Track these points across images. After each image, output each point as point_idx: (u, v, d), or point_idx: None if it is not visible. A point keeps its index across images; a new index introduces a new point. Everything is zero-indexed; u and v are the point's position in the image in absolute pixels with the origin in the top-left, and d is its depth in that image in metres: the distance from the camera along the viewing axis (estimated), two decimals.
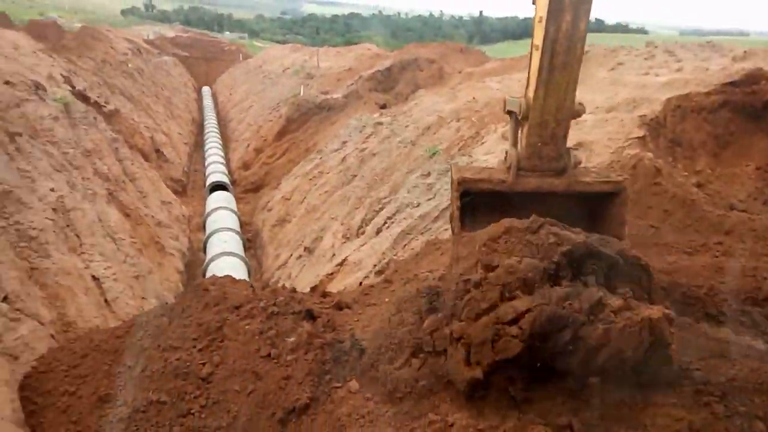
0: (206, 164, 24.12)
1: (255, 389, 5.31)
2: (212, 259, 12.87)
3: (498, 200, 4.37)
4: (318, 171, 15.04)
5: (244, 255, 13.57)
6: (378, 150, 13.31)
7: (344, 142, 15.50)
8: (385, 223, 10.09)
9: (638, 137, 8.81)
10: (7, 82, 11.18)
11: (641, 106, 10.08)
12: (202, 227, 16.51)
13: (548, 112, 4.05)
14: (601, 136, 8.77)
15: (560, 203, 4.30)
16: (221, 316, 6.10)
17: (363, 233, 10.55)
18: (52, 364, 5.98)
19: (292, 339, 5.72)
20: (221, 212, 16.55)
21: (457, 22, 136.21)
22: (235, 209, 17.48)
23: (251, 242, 15.90)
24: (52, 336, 6.60)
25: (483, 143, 10.44)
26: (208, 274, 12.00)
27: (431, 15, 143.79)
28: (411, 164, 11.54)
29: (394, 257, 9.22)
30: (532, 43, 4.05)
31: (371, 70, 23.20)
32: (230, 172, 23.74)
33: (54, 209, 8.55)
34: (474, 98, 13.17)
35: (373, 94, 20.76)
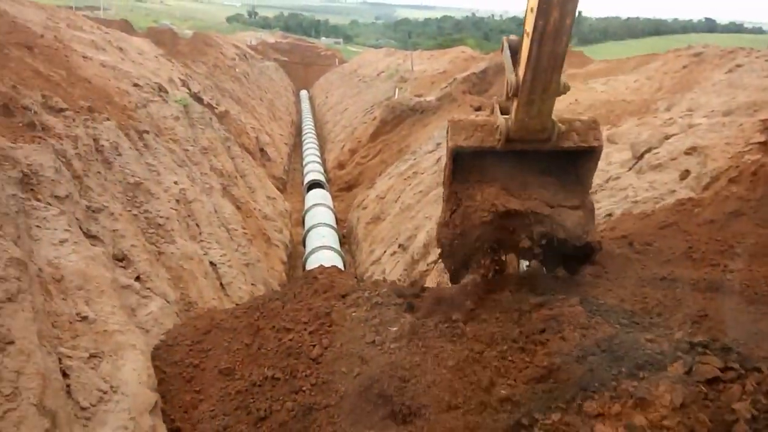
0: (304, 163, 25.21)
1: (361, 372, 5.60)
2: (311, 252, 13.52)
3: (488, 156, 4.98)
4: (412, 171, 15.30)
5: (340, 249, 14.13)
6: None
7: (438, 144, 15.65)
8: None
9: (759, 142, 8.28)
10: (135, 85, 12.34)
11: (763, 110, 9.45)
12: (301, 222, 17.34)
13: (535, 93, 4.47)
14: (718, 141, 8.33)
15: (543, 159, 4.90)
16: (329, 303, 6.47)
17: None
18: (177, 339, 6.60)
19: (394, 328, 5.97)
20: (319, 208, 17.31)
21: None
22: (332, 206, 18.19)
23: (346, 238, 16.46)
24: (177, 314, 7.27)
25: None
26: (308, 266, 12.63)
27: None
28: None
29: None
30: (524, 28, 4.43)
31: (465, 73, 23.19)
32: (326, 171, 24.65)
33: (177, 200, 9.37)
34: (576, 100, 12.85)
35: (467, 96, 20.76)
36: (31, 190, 6.60)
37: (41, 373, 4.45)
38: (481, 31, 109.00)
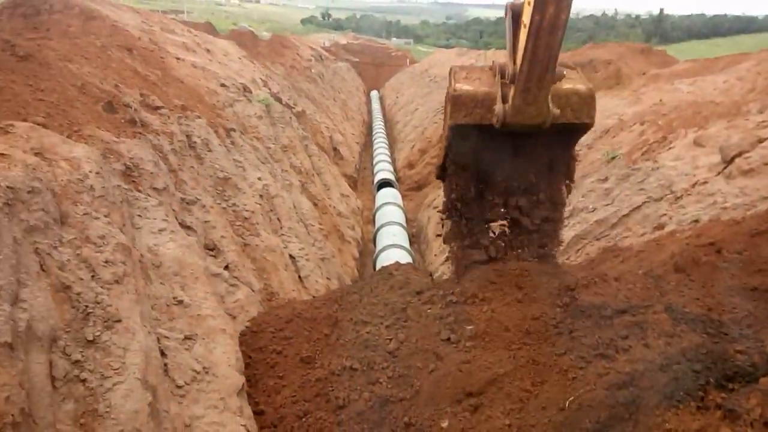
0: (374, 162, 25.57)
1: (436, 368, 5.70)
2: (382, 250, 13.75)
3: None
4: None
5: (410, 248, 14.27)
6: None
7: None
8: None
9: None
10: (222, 85, 12.98)
11: None
12: (372, 220, 17.63)
13: (531, 82, 4.68)
14: None
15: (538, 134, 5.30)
16: (405, 299, 6.61)
17: None
18: (261, 326, 6.95)
19: (470, 327, 6.03)
20: (389, 207, 17.54)
21: (634, 21, 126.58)
22: (402, 205, 18.37)
23: (415, 237, 16.59)
24: (260, 302, 7.64)
25: (671, 148, 9.84)
26: (378, 264, 12.86)
27: (604, 14, 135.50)
28: (586, 168, 11.23)
29: (566, 261, 9.11)
30: (521, 20, 4.60)
31: None
32: (396, 171, 24.89)
33: (261, 195, 9.82)
34: (661, 101, 12.37)
35: None
36: (133, 181, 7.14)
37: (144, 351, 4.85)
38: None
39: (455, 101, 5.39)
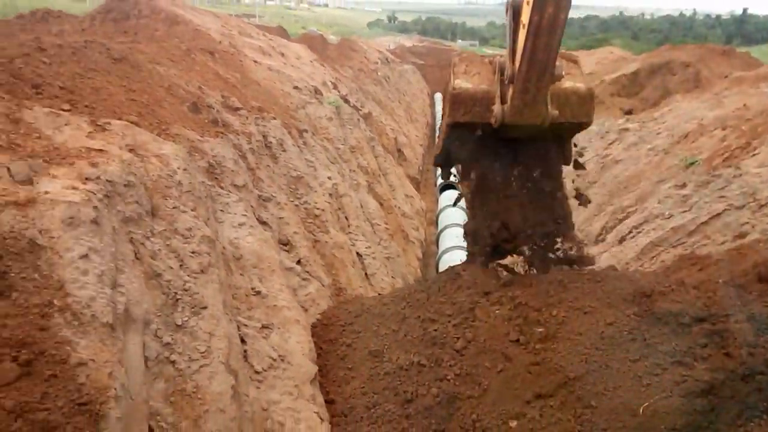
0: None
1: (504, 369, 5.72)
2: (445, 252, 13.78)
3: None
4: None
5: None
6: (623, 157, 12.78)
7: (584, 148, 15.15)
8: (630, 232, 9.72)
9: None
10: (295, 87, 13.41)
11: None
12: (434, 222, 17.68)
13: (530, 82, 4.65)
14: None
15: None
16: (473, 299, 6.64)
17: (603, 240, 10.30)
18: (331, 319, 7.17)
19: (540, 330, 6.00)
20: (453, 209, 17.53)
21: (714, 21, 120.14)
22: (465, 207, 18.31)
23: None
24: (330, 297, 7.88)
25: (755, 155, 9.37)
26: (441, 266, 12.91)
27: (681, 14, 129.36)
28: (662, 173, 10.86)
29: (640, 268, 8.86)
30: (520, 19, 4.51)
31: (614, 74, 22.08)
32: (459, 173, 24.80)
33: (330, 194, 10.10)
34: (745, 105, 11.78)
35: (615, 99, 19.78)
36: (215, 178, 7.53)
37: (227, 337, 5.14)
38: (630, 30, 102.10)
39: (454, 99, 5.45)
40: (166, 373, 4.46)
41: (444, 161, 6.53)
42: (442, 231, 15.80)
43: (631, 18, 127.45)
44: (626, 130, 14.13)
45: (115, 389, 3.61)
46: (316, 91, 14.16)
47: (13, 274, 3.87)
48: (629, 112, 17.53)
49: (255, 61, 12.54)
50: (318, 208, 9.27)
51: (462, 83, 5.34)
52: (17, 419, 3.05)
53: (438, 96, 48.94)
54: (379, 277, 9.58)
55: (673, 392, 4.70)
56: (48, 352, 3.51)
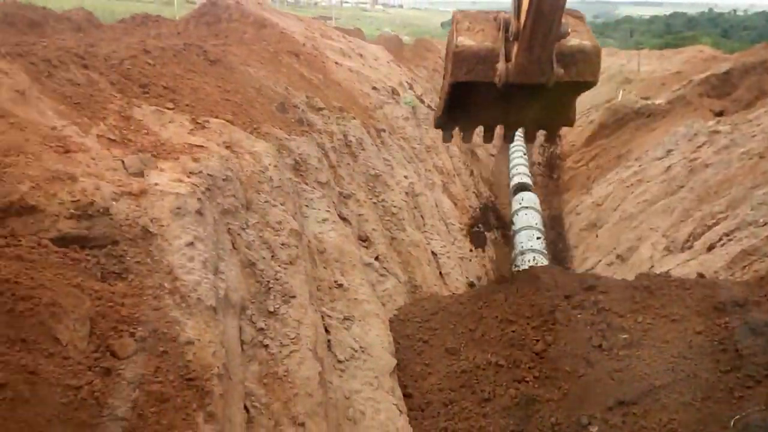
0: (510, 166, 25.17)
1: (585, 374, 5.64)
2: (519, 254, 13.61)
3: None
4: (636, 179, 14.44)
5: (548, 253, 13.97)
6: (713, 161, 12.14)
7: (669, 151, 14.52)
8: (720, 239, 9.25)
9: None
10: (374, 88, 13.65)
11: None
12: (508, 224, 17.47)
13: (535, 39, 4.46)
14: None
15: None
16: (552, 302, 6.58)
17: (690, 248, 9.86)
18: (408, 315, 7.30)
19: (625, 336, 5.87)
20: (527, 211, 17.25)
21: None
22: (540, 210, 17.99)
23: (554, 243, 16.19)
24: (406, 294, 8.02)
25: None
26: (515, 268, 12.76)
27: None
28: (757, 178, 10.25)
29: (731, 277, 8.42)
30: None
31: (704, 74, 20.94)
32: (533, 175, 24.33)
33: (406, 193, 10.25)
34: None
35: (704, 99, 18.77)
36: (301, 175, 7.85)
37: (314, 325, 5.38)
38: (720, 28, 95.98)
39: (457, 57, 5.14)
40: (260, 356, 4.74)
41: (445, 123, 6.21)
42: (516, 233, 15.61)
43: (722, 15, 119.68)
44: (717, 132, 13.41)
45: (218, 368, 3.90)
46: (393, 92, 14.35)
47: (128, 258, 4.26)
48: (720, 114, 16.60)
49: (336, 63, 12.88)
50: (395, 206, 9.44)
51: (465, 40, 5.07)
52: (136, 389, 3.37)
53: None
54: (453, 276, 9.63)
55: None
56: (160, 330, 3.84)
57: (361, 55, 15.42)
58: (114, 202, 4.47)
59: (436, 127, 6.57)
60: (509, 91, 5.19)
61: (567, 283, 6.80)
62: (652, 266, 10.11)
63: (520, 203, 18.32)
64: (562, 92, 5.45)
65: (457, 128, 6.47)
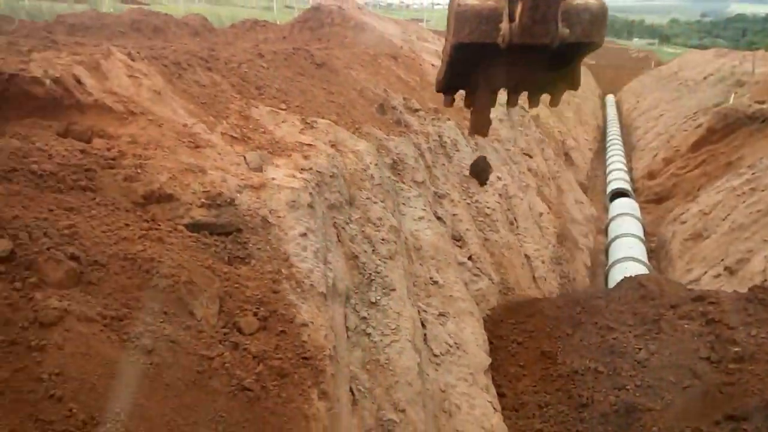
0: (607, 171, 24.23)
1: (691, 385, 5.43)
2: (616, 262, 13.12)
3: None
4: (749, 187, 13.48)
5: (648, 263, 13.35)
6: None
7: None
8: None
9: None
10: None
11: None
12: (603, 231, 16.87)
13: None
14: None
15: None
16: (657, 311, 6.37)
17: None
18: (501, 316, 7.31)
19: (736, 349, 5.59)
20: (625, 218, 16.58)
21: None
22: (639, 217, 17.22)
23: (654, 252, 15.43)
24: (499, 294, 8.03)
25: None
26: (611, 277, 12.32)
27: None
28: None
29: None
30: None
31: None
32: (632, 180, 23.27)
33: (500, 194, 10.21)
34: None
35: None
36: (398, 174, 8.08)
37: (413, 318, 5.56)
38: None
39: (459, 17, 4.95)
40: (363, 343, 4.98)
41: (447, 87, 6.00)
42: (613, 240, 15.06)
43: None
44: None
45: (330, 350, 4.16)
46: None
47: (251, 245, 4.63)
48: None
49: (432, 65, 13.04)
50: (488, 207, 9.45)
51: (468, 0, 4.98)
52: (260, 364, 3.69)
53: (610, 98, 46.26)
54: (547, 281, 9.49)
55: None
56: (279, 311, 4.15)
57: None
58: (238, 194, 4.87)
59: (438, 90, 6.54)
60: (513, 53, 5.11)
61: (674, 293, 6.55)
62: (765, 280, 9.42)
63: (617, 210, 17.65)
64: (567, 54, 5.34)
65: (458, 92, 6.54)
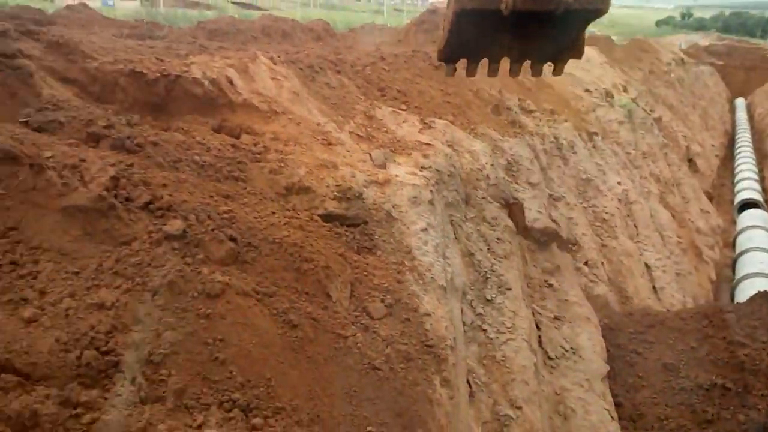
0: (736, 179, 22.33)
1: None
2: (745, 277, 12.13)
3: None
4: None
5: None
6: None
7: None
8: None
9: None
10: (586, 90, 13.27)
11: None
12: (731, 244, 15.63)
13: None
14: None
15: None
16: None
17: None
18: (619, 325, 7.08)
19: None
20: (756, 231, 15.24)
21: None
22: None
23: None
24: (616, 303, 7.77)
25: None
26: (739, 293, 11.42)
27: None
28: None
29: None
30: None
31: None
32: (763, 191, 21.31)
33: (619, 200, 9.85)
34: None
35: None
36: (513, 175, 8.07)
37: (528, 318, 5.58)
38: None
39: None
40: (478, 339, 5.09)
41: (449, 55, 5.63)
42: (741, 254, 13.92)
43: None
44: None
45: (451, 340, 4.32)
46: (607, 94, 13.78)
47: (377, 237, 4.90)
48: None
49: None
50: (606, 213, 9.16)
51: None
52: (387, 346, 3.92)
53: (740, 101, 42.45)
54: (668, 292, 9.02)
55: None
56: (403, 300, 4.38)
57: None
58: (365, 189, 5.17)
59: (439, 59, 6.30)
60: (516, 21, 4.88)
61: None
62: None
63: (747, 222, 16.28)
64: (572, 21, 5.00)
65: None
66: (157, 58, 4.92)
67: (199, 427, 2.68)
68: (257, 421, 2.91)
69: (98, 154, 3.70)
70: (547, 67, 4.68)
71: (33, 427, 2.23)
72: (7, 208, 3.27)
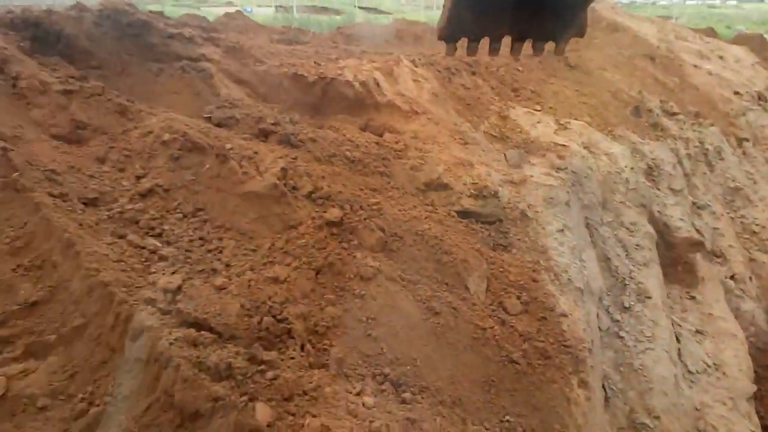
0: None
1: None
2: None
3: None
4: None
5: None
6: None
7: None
8: None
9: None
10: (735, 92, 12.21)
11: None
12: None
13: None
14: None
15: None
16: None
17: None
18: None
19: None
20: None
21: None
22: None
23: None
24: (765, 321, 7.14)
25: None
26: None
27: None
28: None
29: None
30: None
31: None
32: None
33: None
34: None
35: None
36: (653, 180, 7.69)
37: (669, 329, 5.34)
38: None
39: None
40: (615, 345, 4.98)
41: (450, 34, 5.00)
42: None
43: None
44: None
45: (589, 343, 4.29)
46: (759, 97, 12.57)
47: (511, 235, 4.98)
48: None
49: (694, 66, 11.97)
50: (757, 224, 8.42)
51: None
52: (525, 342, 3.99)
53: None
54: None
55: None
56: (539, 299, 4.41)
57: (721, 57, 13.92)
58: (500, 188, 5.26)
59: (440, 38, 5.76)
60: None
61: None
62: None
63: None
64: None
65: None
66: (315, 62, 5.36)
67: (358, 394, 2.94)
68: (407, 395, 3.14)
69: (268, 148, 4.14)
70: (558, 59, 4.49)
71: (227, 377, 2.60)
72: (195, 192, 3.79)
